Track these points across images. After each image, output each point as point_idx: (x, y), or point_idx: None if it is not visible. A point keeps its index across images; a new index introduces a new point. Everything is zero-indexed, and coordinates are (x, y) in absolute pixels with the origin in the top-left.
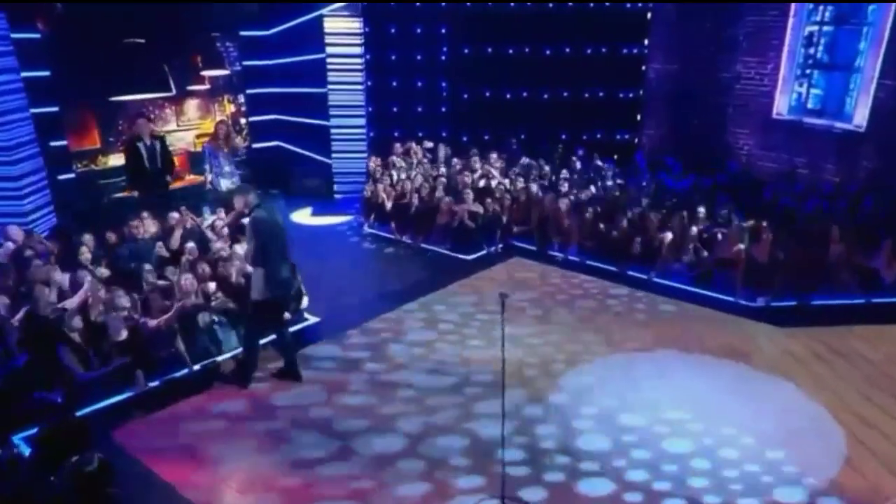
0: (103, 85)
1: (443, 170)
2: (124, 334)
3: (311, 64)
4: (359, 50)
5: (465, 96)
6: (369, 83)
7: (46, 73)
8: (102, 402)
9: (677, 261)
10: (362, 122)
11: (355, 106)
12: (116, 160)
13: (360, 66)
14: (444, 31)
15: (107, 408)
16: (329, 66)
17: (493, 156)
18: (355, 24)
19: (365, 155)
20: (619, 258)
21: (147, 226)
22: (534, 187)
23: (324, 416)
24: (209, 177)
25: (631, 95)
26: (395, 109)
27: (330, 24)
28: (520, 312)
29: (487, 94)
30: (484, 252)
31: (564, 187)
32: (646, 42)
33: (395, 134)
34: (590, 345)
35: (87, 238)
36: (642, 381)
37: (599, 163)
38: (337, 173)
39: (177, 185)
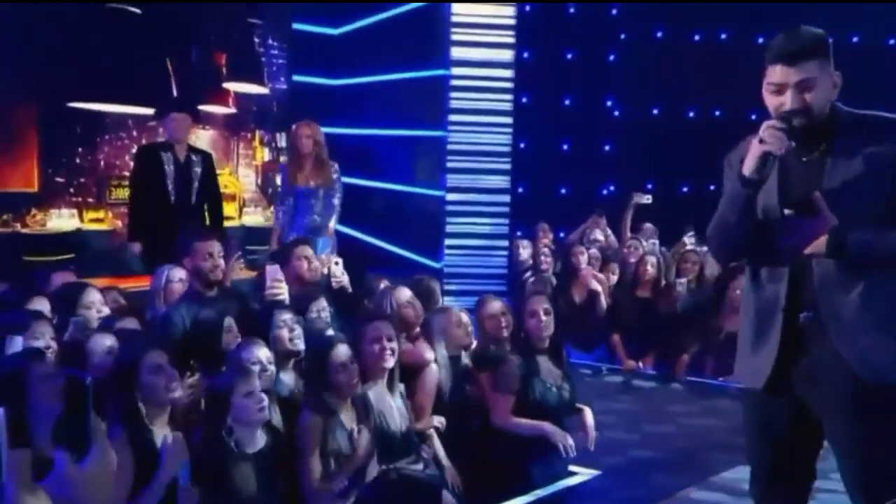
0: (62, 77)
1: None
2: (261, 442)
3: (412, 87)
4: (509, 57)
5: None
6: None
7: None
8: None
9: None
10: (505, 182)
11: (496, 154)
12: (63, 221)
13: (507, 87)
14: None
15: None
16: (454, 88)
17: None
18: (507, 10)
19: (505, 243)
20: None
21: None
22: None
23: None
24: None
25: None
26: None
27: (462, 9)
28: None
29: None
30: None
31: None
32: None
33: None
34: None
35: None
36: None
37: None
38: (451, 276)
39: None
